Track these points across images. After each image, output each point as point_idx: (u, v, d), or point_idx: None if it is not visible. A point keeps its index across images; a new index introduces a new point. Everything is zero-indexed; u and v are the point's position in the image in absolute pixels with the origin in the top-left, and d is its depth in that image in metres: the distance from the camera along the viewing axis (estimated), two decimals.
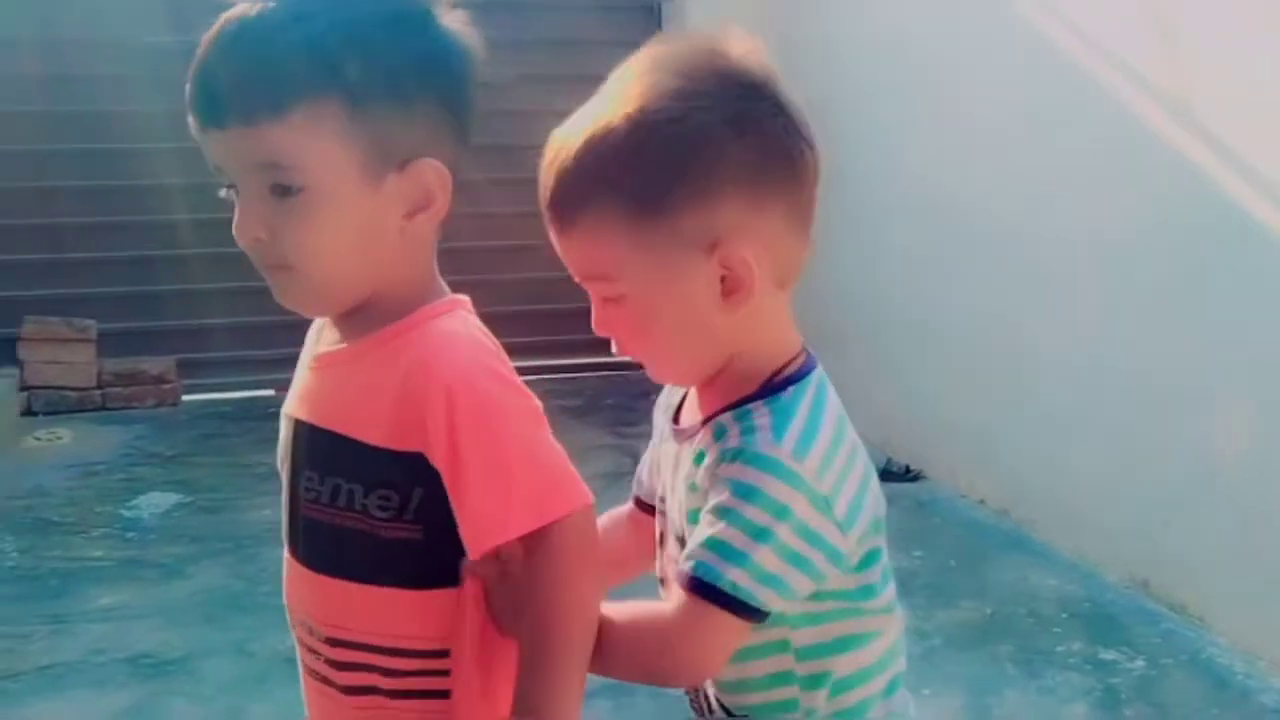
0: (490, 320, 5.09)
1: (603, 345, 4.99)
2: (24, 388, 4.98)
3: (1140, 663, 2.71)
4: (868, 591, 1.11)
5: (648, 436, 4.53)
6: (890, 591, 1.14)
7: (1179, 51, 2.93)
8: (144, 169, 5.21)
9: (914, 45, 4.12)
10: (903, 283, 4.27)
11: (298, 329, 4.92)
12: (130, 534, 3.63)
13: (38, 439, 4.66)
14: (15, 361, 4.99)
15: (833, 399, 1.12)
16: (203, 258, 5.31)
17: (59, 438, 4.69)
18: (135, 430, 4.82)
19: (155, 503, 3.92)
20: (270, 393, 5.46)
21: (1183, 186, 2.89)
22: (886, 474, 4.08)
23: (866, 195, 4.49)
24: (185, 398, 5.26)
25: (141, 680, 2.66)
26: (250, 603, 3.11)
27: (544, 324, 5.85)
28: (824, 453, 1.05)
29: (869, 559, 1.11)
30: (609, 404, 5.29)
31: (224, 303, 5.35)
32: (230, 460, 4.44)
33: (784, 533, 1.02)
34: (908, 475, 4.07)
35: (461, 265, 5.58)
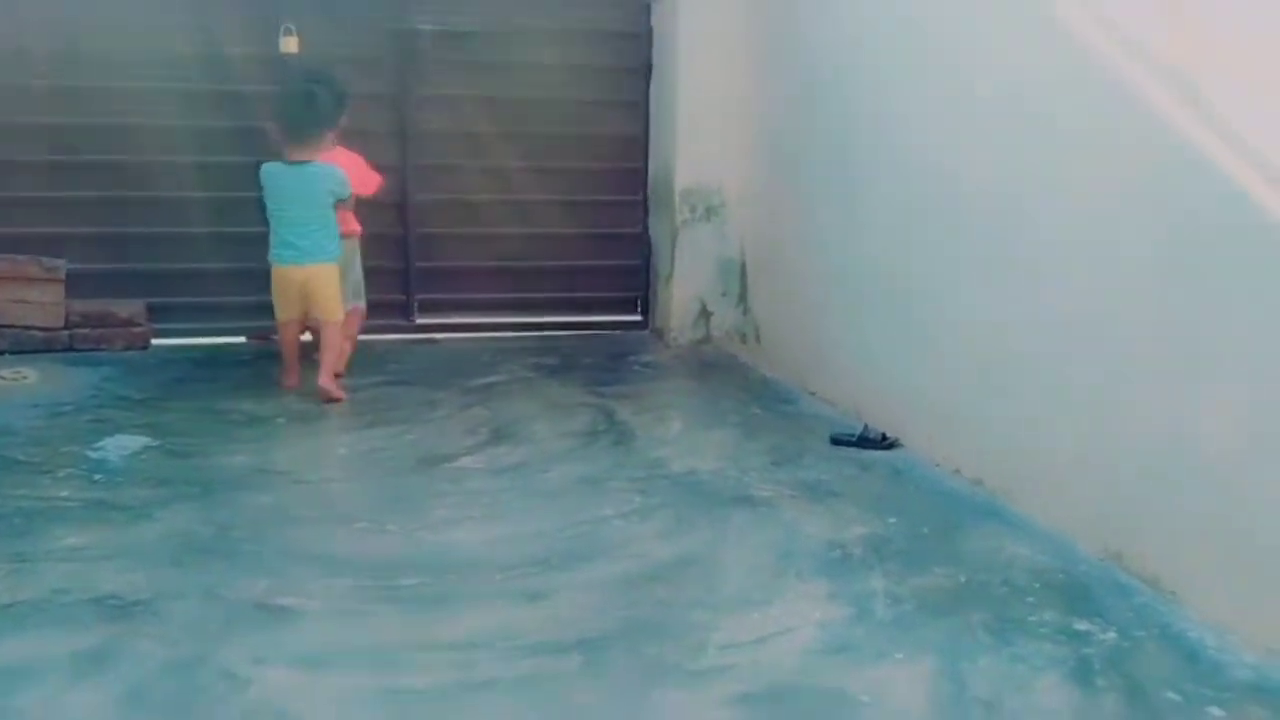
0: (467, 276, 5.20)
1: (578, 305, 5.11)
2: None
3: (1112, 634, 2.71)
4: None
5: (625, 396, 4.55)
6: None
7: (1183, 28, 2.90)
8: (119, 108, 5.11)
9: (914, 18, 4.07)
10: (884, 252, 4.25)
11: (268, 277, 4.93)
12: (97, 476, 3.57)
13: (3, 378, 4.58)
14: None
15: None
16: (176, 201, 5.24)
17: (24, 377, 4.60)
18: (103, 372, 4.74)
19: (123, 445, 3.86)
20: (241, 340, 5.40)
21: (1176, 162, 2.87)
22: (864, 441, 4.08)
23: (852, 167, 4.47)
24: (155, 342, 5.18)
25: (107, 621, 2.61)
26: (220, 547, 3.06)
27: (520, 282, 5.80)
28: None
29: None
30: (586, 363, 5.26)
31: (196, 248, 5.29)
32: (200, 406, 4.38)
33: None
34: (884, 443, 4.07)
35: (438, 218, 5.52)
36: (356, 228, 4.86)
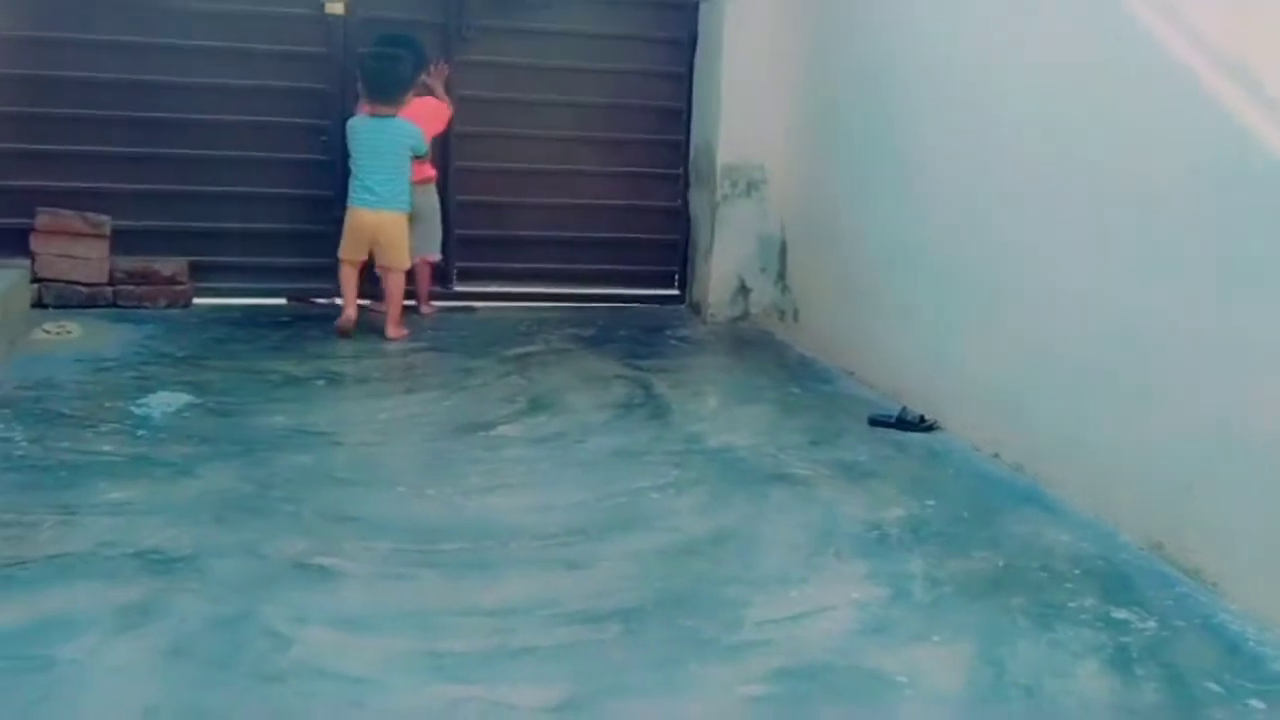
0: (505, 245, 5.23)
1: (615, 277, 5.11)
2: (35, 280, 4.94)
3: (1152, 624, 2.69)
4: None
5: (661, 370, 4.54)
6: None
7: (1231, 3, 2.85)
8: (166, 64, 5.13)
9: None
10: (932, 232, 4.22)
11: (310, 239, 4.99)
12: (140, 431, 3.60)
13: (47, 331, 4.62)
14: (27, 253, 4.95)
15: None
16: (221, 160, 5.26)
17: (69, 332, 4.65)
18: (146, 330, 4.78)
19: (165, 402, 3.89)
20: (280, 301, 5.43)
21: (1230, 143, 2.82)
22: (902, 422, 4.06)
23: (902, 144, 4.43)
24: (196, 301, 5.22)
25: (151, 575, 2.64)
26: (261, 506, 3.09)
27: (558, 252, 5.80)
28: None
29: None
30: (622, 335, 5.25)
31: (239, 207, 5.31)
32: (241, 365, 4.42)
33: None
34: (923, 425, 4.04)
35: (477, 186, 5.54)
36: (432, 173, 5.29)
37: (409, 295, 5.21)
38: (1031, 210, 3.63)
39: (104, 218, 5.03)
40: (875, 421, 4.10)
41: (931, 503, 3.39)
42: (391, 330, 4.95)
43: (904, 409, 4.13)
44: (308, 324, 5.11)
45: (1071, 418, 3.43)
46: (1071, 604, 2.77)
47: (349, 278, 4.98)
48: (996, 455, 3.78)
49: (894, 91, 4.49)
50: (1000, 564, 2.99)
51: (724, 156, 5.50)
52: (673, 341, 5.26)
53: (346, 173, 5.05)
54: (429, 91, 5.21)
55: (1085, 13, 3.40)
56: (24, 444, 3.44)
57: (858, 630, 2.60)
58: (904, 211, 4.42)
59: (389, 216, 4.93)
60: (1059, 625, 2.66)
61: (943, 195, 4.15)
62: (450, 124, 5.30)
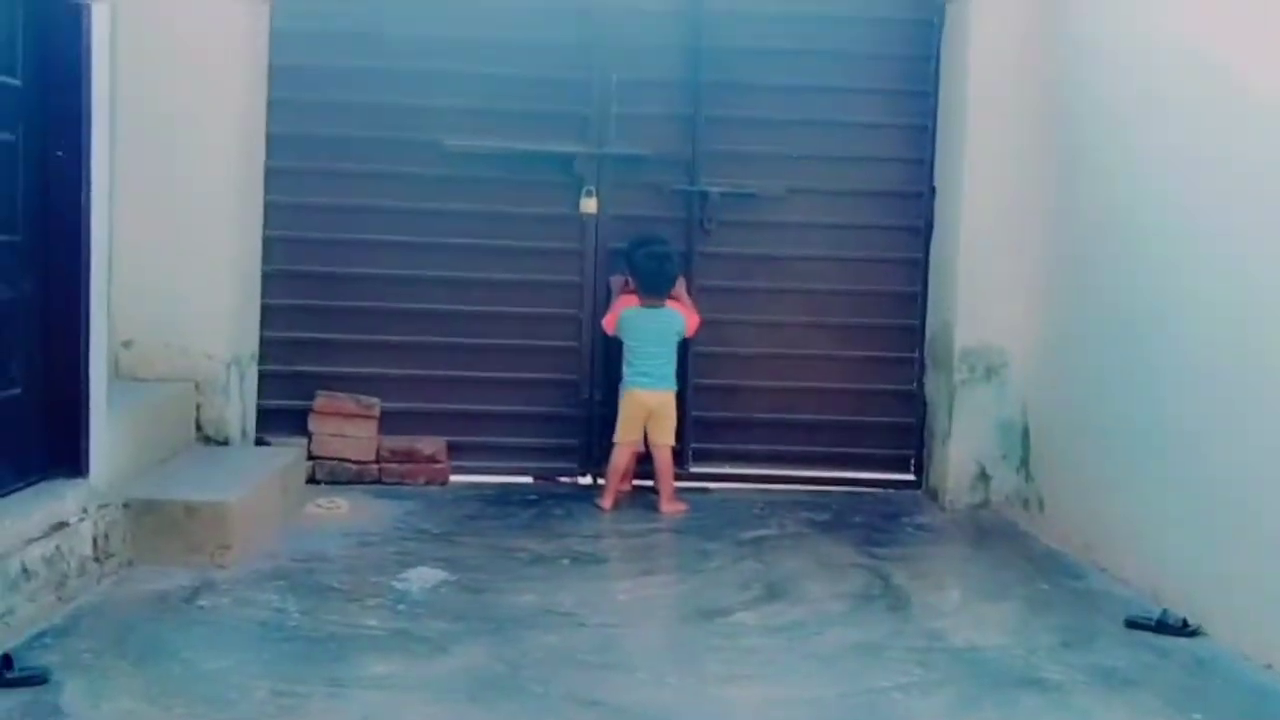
0: (740, 427, 5.38)
1: (849, 461, 5.12)
2: (310, 457, 5.38)
3: None
4: None
5: (899, 559, 4.49)
6: None
7: None
8: (438, 261, 5.60)
9: (1217, 157, 3.95)
10: (1183, 418, 4.05)
11: (558, 421, 5.26)
12: (400, 606, 3.83)
13: (319, 506, 5.01)
14: (305, 432, 5.41)
15: None
16: (478, 347, 5.64)
17: (338, 507, 5.02)
18: (406, 505, 5.11)
19: (423, 577, 4.13)
20: (528, 480, 5.69)
21: None
22: (1162, 625, 3.83)
23: (1146, 323, 4.31)
24: (452, 478, 5.54)
25: None
26: (512, 686, 3.21)
27: (792, 435, 5.86)
28: None
29: None
30: (857, 521, 5.22)
31: (494, 390, 5.66)
32: (492, 543, 4.64)
33: None
34: (1186, 629, 3.80)
35: (714, 370, 5.73)
36: None
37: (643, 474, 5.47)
38: None
39: (374, 400, 5.47)
40: (1133, 624, 3.88)
41: (1198, 717, 3.17)
42: (666, 505, 5.28)
43: (1165, 611, 3.90)
44: (553, 502, 5.33)
45: None
46: None
47: (623, 459, 5.34)
48: (1269, 666, 3.51)
49: (1130, 267, 4.41)
50: None
51: (962, 340, 5.48)
52: (910, 529, 5.18)
53: (593, 359, 5.32)
54: (674, 298, 5.50)
55: None
56: (297, 615, 3.72)
57: None
58: (1159, 395, 4.25)
59: (663, 396, 5.33)
60: None
61: (1203, 377, 3.99)
62: (698, 331, 5.53)
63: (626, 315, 5.37)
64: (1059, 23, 5.17)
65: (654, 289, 5.37)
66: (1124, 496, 4.47)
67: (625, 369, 5.36)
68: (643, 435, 5.34)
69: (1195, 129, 4.08)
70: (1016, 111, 5.34)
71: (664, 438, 5.35)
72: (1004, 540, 5.05)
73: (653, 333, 5.34)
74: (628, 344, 5.36)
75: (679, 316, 5.41)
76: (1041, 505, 5.20)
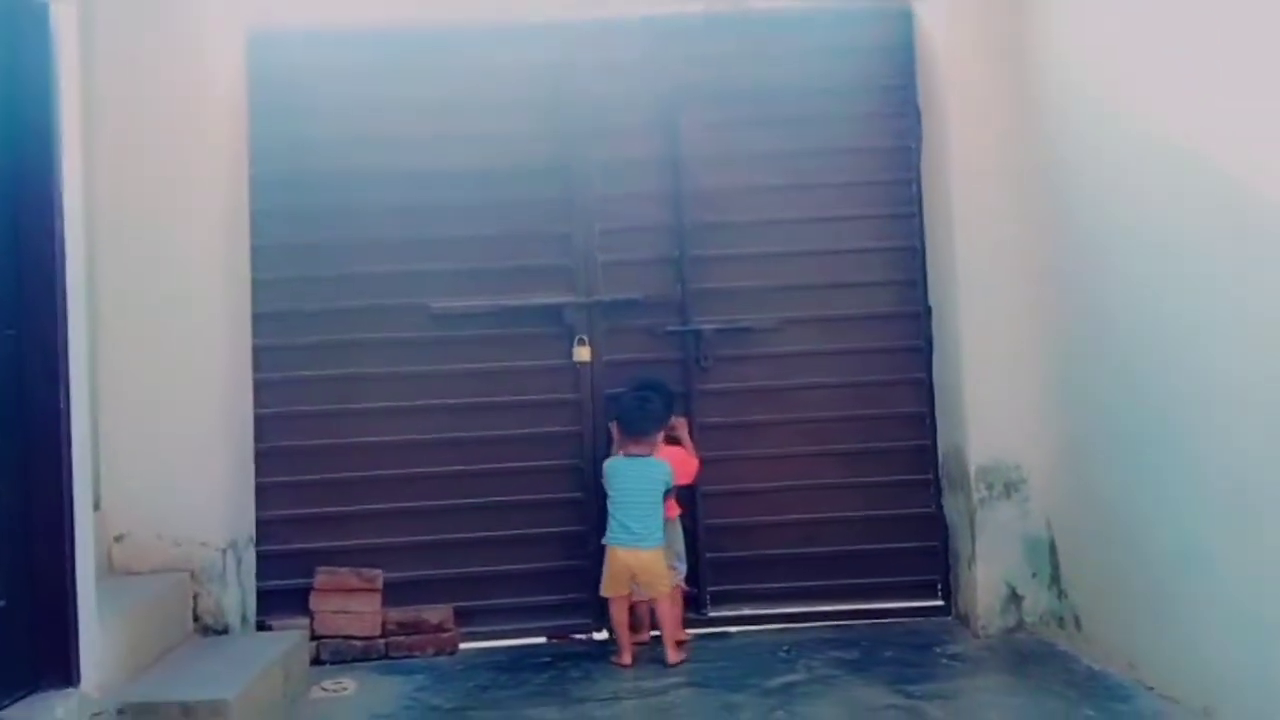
0: (757, 565, 5.12)
1: (873, 591, 4.88)
2: (313, 637, 5.18)
3: None
4: None
5: (937, 696, 4.23)
6: None
7: None
8: (431, 424, 5.51)
9: (1195, 144, 3.88)
10: (1230, 517, 3.88)
11: (567, 575, 5.05)
12: None
13: (325, 689, 4.79)
14: (308, 611, 5.23)
15: None
16: (480, 507, 5.50)
17: (344, 688, 4.80)
18: (415, 681, 4.89)
19: None
20: (541, 640, 5.48)
21: None
22: None
23: (1164, 419, 4.18)
24: (462, 645, 5.33)
25: None
26: None
27: (811, 569, 5.67)
28: None
29: None
30: (888, 656, 4.99)
31: (499, 549, 5.50)
32: (506, 714, 4.43)
33: None
34: None
35: (724, 509, 5.54)
36: (675, 511, 5.36)
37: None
38: None
39: (376, 571, 5.30)
40: None
41: None
42: (671, 656, 5.05)
43: None
44: (568, 663, 5.11)
45: None
46: None
47: (619, 612, 5.15)
48: None
49: (1140, 367, 4.29)
50: None
51: (976, 459, 5.33)
52: (944, 660, 4.94)
53: (599, 509, 5.18)
54: (677, 441, 5.39)
55: None
56: None
57: None
58: (1191, 496, 4.08)
59: (646, 555, 5.08)
60: None
61: (1230, 477, 3.84)
62: (697, 478, 5.42)
63: (609, 465, 5.22)
64: (1035, 139, 5.18)
65: (639, 430, 5.19)
66: (1164, 608, 4.26)
67: (609, 520, 5.16)
68: (631, 589, 5.13)
69: (1178, 228, 4.03)
70: (1000, 222, 5.30)
71: (656, 590, 5.11)
72: (1043, 664, 4.80)
73: (633, 483, 5.14)
74: (609, 495, 5.17)
75: (664, 466, 5.18)
76: (1079, 623, 4.98)
